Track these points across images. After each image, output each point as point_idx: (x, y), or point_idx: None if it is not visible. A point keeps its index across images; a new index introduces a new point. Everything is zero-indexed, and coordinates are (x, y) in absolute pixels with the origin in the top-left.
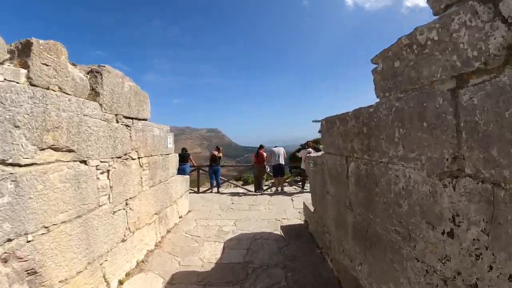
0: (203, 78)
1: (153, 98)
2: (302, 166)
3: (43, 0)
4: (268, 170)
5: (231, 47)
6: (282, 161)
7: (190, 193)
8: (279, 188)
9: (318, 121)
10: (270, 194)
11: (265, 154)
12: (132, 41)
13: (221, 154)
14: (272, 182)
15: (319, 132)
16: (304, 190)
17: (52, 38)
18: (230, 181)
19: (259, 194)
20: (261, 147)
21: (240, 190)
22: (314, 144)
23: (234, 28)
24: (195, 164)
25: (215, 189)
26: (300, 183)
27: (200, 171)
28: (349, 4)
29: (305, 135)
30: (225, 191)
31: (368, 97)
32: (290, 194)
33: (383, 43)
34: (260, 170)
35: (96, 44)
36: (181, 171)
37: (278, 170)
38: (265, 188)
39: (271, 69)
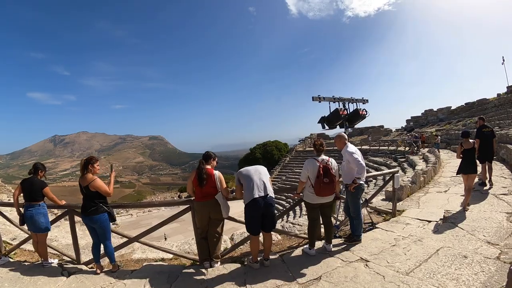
0: (147, 83)
1: (94, 104)
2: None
3: None
4: (227, 213)
5: (176, 51)
6: (271, 193)
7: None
8: (264, 260)
9: (324, 99)
10: (241, 280)
11: (217, 174)
12: (74, 43)
13: (110, 179)
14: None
15: (319, 123)
16: (334, 249)
17: None
18: (141, 238)
19: (211, 277)
20: (208, 156)
21: (167, 256)
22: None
23: (179, 32)
24: (59, 203)
25: (110, 262)
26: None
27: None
28: (293, 12)
29: (254, 139)
30: (141, 255)
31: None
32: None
33: (326, 49)
34: (207, 214)
35: (35, 46)
36: (29, 222)
37: (265, 216)
38: (223, 249)
39: (216, 74)
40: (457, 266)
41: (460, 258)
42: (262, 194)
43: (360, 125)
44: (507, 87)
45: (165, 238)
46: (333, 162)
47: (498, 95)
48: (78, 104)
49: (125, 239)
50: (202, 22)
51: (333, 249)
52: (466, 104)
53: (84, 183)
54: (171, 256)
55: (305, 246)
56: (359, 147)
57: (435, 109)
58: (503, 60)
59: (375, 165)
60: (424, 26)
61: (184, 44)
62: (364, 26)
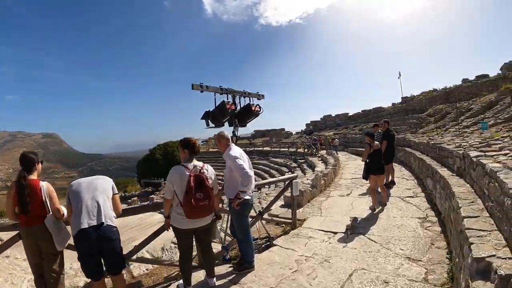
0: (45, 72)
1: None
2: None
3: None
4: (62, 243)
5: (81, 38)
6: (110, 220)
7: None
8: None
9: (208, 88)
10: None
11: (44, 187)
12: None
13: None
14: None
15: (203, 118)
16: (219, 283)
17: None
18: None
19: None
20: (29, 161)
21: None
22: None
23: (86, 16)
24: None
25: None
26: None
27: None
28: (209, 13)
29: (158, 139)
30: None
31: None
32: None
33: (237, 51)
34: (36, 245)
35: None
36: None
37: (103, 253)
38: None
39: (122, 69)
40: None
41: (380, 284)
42: (94, 222)
43: (262, 126)
44: (402, 98)
45: None
46: (209, 170)
47: (393, 104)
48: None
49: None
50: (111, 8)
51: (217, 283)
52: (362, 111)
53: None
54: None
55: (181, 281)
56: (261, 148)
57: (333, 115)
58: (400, 75)
59: (275, 166)
60: (331, 40)
61: (89, 31)
62: (275, 35)
